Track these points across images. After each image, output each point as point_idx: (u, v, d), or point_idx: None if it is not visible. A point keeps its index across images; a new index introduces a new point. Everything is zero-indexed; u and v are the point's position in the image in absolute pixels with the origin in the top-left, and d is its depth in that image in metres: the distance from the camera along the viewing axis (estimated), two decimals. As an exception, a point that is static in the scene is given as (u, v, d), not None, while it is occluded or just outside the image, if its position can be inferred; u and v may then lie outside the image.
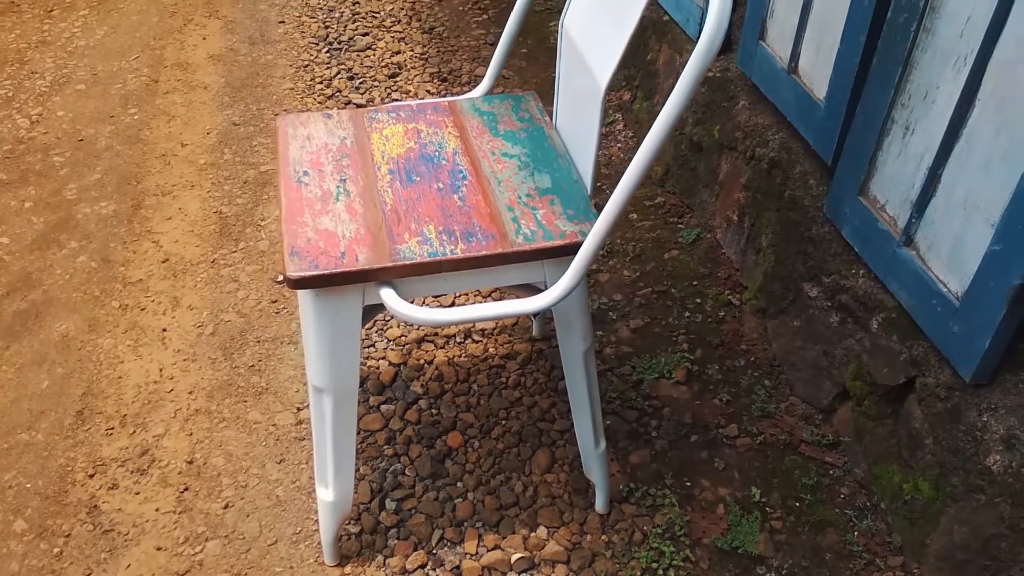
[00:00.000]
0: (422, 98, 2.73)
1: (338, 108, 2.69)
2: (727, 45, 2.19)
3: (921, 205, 1.45)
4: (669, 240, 2.16)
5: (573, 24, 1.34)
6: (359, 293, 1.19)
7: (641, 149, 1.04)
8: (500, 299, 1.96)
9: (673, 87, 1.00)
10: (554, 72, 2.82)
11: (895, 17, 1.46)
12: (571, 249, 1.20)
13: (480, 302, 1.91)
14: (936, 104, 1.40)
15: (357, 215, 1.25)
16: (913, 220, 1.47)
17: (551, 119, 1.49)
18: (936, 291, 1.41)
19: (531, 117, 1.48)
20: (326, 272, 1.15)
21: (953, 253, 1.38)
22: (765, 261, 1.91)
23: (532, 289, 1.33)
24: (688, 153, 2.27)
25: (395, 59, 2.94)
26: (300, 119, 1.46)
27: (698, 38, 0.96)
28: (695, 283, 2.03)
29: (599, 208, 1.15)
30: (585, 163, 1.30)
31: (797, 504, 1.57)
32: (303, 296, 1.22)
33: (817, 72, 1.76)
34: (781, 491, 1.59)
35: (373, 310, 1.25)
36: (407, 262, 1.17)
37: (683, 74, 0.99)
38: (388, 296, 1.17)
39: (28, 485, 1.61)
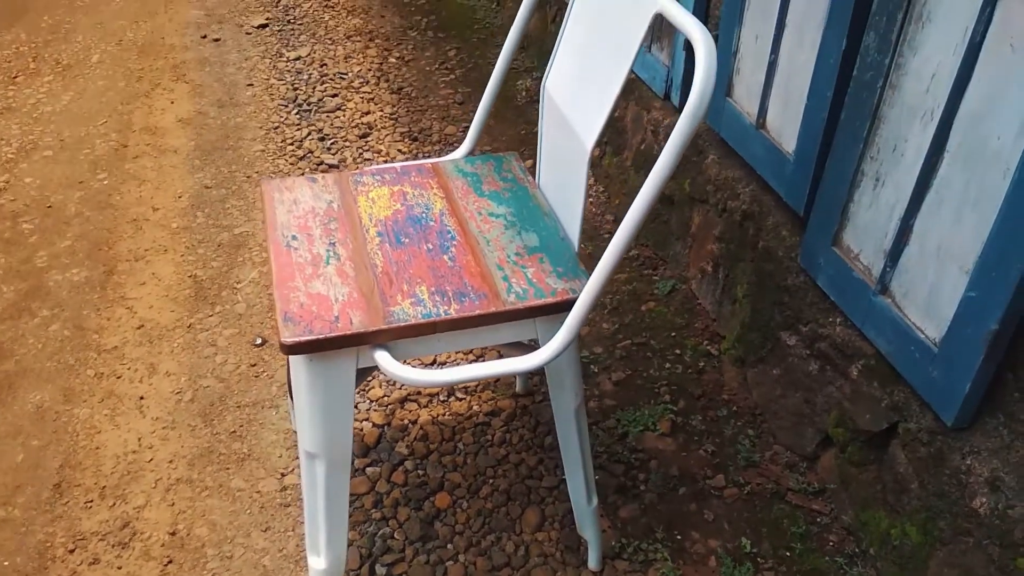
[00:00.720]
0: (394, 157, 2.75)
1: (310, 169, 2.70)
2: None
3: (895, 254, 1.49)
4: (645, 292, 2.18)
5: (555, 87, 1.37)
6: (353, 357, 1.19)
7: (634, 206, 1.06)
8: (487, 357, 1.96)
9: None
10: (521, 129, 2.87)
11: (861, 74, 1.52)
12: (563, 306, 1.22)
13: (466, 361, 1.92)
14: (905, 157, 1.45)
15: (348, 278, 1.25)
16: (887, 269, 1.51)
17: (533, 178, 1.51)
18: (914, 338, 1.45)
19: (514, 177, 1.51)
20: (321, 337, 1.15)
21: (929, 300, 1.42)
22: (742, 311, 1.95)
23: (520, 346, 1.34)
24: (659, 207, 2.31)
25: (365, 119, 2.97)
26: (285, 184, 1.47)
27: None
28: (673, 334, 2.05)
29: (590, 258, 1.17)
30: (572, 221, 1.33)
31: (787, 553, 1.57)
32: (295, 361, 1.21)
33: (785, 127, 1.82)
34: (771, 540, 1.59)
35: (363, 373, 1.25)
36: (402, 324, 1.18)
37: (672, 136, 1.02)
38: (383, 359, 1.17)
39: (6, 563, 1.56)
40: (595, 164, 2.71)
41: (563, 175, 1.36)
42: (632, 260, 2.30)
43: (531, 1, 1.47)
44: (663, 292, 2.18)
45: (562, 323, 1.18)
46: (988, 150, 1.27)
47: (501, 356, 1.26)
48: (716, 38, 2.07)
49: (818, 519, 1.63)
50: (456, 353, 1.99)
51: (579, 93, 1.29)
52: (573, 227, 1.32)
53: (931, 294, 1.42)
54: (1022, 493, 1.29)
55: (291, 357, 1.21)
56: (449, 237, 1.34)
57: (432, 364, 1.96)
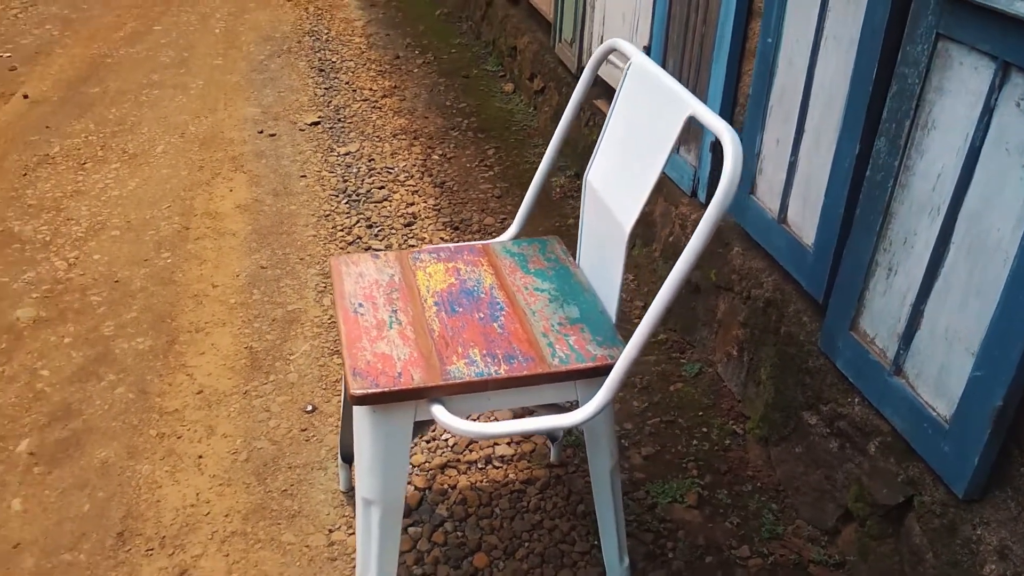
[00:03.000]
0: (436, 243, 2.93)
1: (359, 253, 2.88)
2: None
3: (908, 337, 1.62)
4: (673, 373, 2.31)
5: (597, 179, 1.54)
6: (412, 409, 1.33)
7: (667, 281, 1.21)
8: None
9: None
10: (556, 221, 3.05)
11: (873, 175, 1.68)
12: (602, 371, 1.35)
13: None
14: (915, 248, 1.59)
15: (409, 340, 1.40)
16: (901, 351, 1.63)
17: (574, 259, 1.67)
18: (926, 415, 1.56)
19: (556, 258, 1.66)
20: (386, 390, 1.29)
21: (939, 380, 1.54)
22: (765, 392, 2.06)
23: (558, 408, 1.47)
24: (687, 295, 2.46)
25: (410, 209, 3.17)
26: (352, 259, 1.63)
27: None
28: (700, 413, 2.16)
29: (624, 337, 1.31)
30: (610, 296, 1.47)
31: (809, 621, 1.65)
32: (360, 412, 1.35)
33: (805, 222, 1.97)
34: (793, 609, 1.67)
35: (419, 428, 1.38)
36: (457, 381, 1.31)
37: (702, 221, 1.18)
38: (439, 412, 1.31)
39: (70, 604, 1.67)
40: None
41: (602, 255, 1.52)
42: (661, 344, 2.43)
43: (575, 107, 1.66)
44: (691, 374, 2.30)
45: (600, 386, 1.32)
46: (989, 241, 1.41)
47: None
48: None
49: (838, 590, 1.71)
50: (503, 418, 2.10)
51: (619, 184, 1.45)
52: (611, 301, 1.47)
53: (941, 374, 1.54)
54: (1029, 561, 1.38)
55: (356, 408, 1.34)
56: (499, 308, 1.49)
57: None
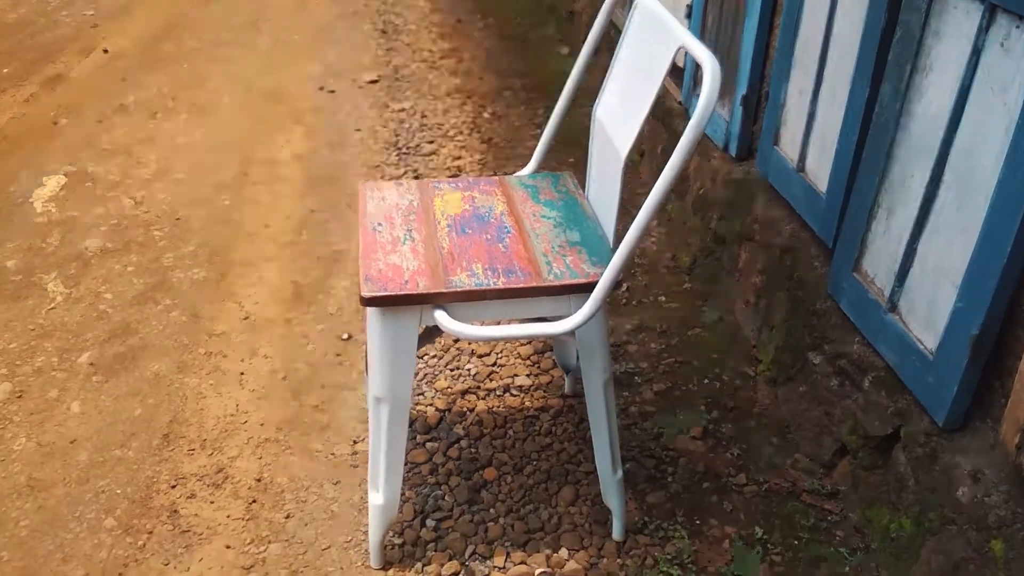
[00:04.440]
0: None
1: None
2: (749, 152, 2.49)
3: (902, 275, 1.68)
4: (693, 320, 2.39)
5: (603, 112, 1.64)
6: (417, 314, 1.45)
7: (652, 193, 1.31)
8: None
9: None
10: (569, 156, 3.13)
11: (878, 119, 1.73)
12: (594, 287, 1.46)
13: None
14: (911, 189, 1.65)
15: (419, 255, 1.52)
16: (896, 289, 1.70)
17: (583, 191, 1.77)
18: (915, 349, 1.62)
19: (567, 190, 1.77)
20: (393, 294, 1.42)
21: (928, 314, 1.60)
22: (777, 336, 2.13)
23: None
24: (713, 245, 2.53)
25: (456, 163, 3.30)
26: (377, 185, 1.76)
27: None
28: (715, 356, 2.25)
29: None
30: (608, 221, 1.57)
31: (796, 542, 1.73)
32: (371, 315, 1.48)
33: (820, 169, 2.03)
34: (782, 531, 1.76)
35: (426, 336, 1.50)
36: (458, 289, 1.44)
37: (677, 147, 1.27)
38: (441, 316, 1.43)
39: (118, 491, 1.85)
40: (661, 211, 2.95)
41: (604, 184, 1.61)
42: (686, 292, 2.51)
43: (589, 50, 1.76)
44: (710, 321, 2.38)
45: (592, 301, 1.42)
46: (974, 180, 1.47)
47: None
48: (767, 95, 2.31)
49: (828, 517, 1.78)
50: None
51: (619, 114, 1.55)
52: (609, 226, 1.57)
53: (929, 309, 1.60)
54: (999, 484, 1.44)
55: (368, 309, 1.47)
56: (505, 231, 1.61)
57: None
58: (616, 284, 1.41)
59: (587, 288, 1.46)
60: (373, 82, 4.09)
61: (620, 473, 1.68)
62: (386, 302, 1.42)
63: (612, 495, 1.69)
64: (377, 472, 1.59)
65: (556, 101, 1.85)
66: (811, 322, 2.00)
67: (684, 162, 1.28)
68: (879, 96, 1.73)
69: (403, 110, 3.78)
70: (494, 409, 2.08)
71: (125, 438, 2.00)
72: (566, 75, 1.84)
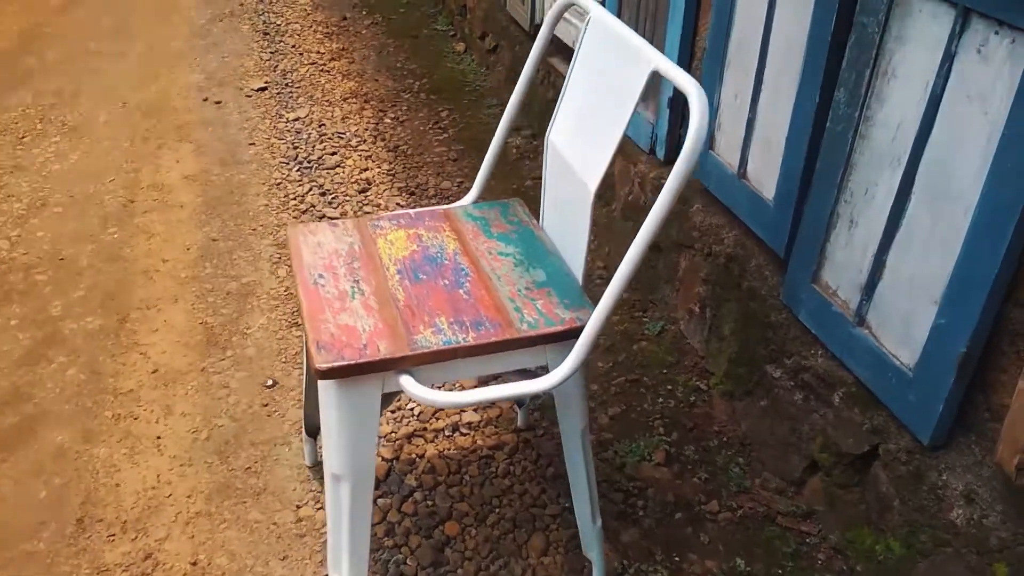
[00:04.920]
0: (392, 210, 2.88)
1: (314, 222, 2.82)
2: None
3: (870, 288, 1.62)
4: (637, 332, 2.30)
5: (559, 139, 1.51)
6: (379, 382, 1.30)
7: (636, 241, 1.19)
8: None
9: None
10: (513, 183, 3.02)
11: (834, 126, 1.67)
12: (571, 334, 1.33)
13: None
14: (876, 199, 1.59)
15: (373, 311, 1.36)
16: (864, 302, 1.64)
17: (537, 221, 1.64)
18: (890, 364, 1.57)
19: (519, 220, 1.63)
20: (351, 362, 1.25)
21: (903, 329, 1.55)
22: (728, 348, 2.07)
23: (527, 374, 1.45)
24: (648, 253, 2.44)
25: (364, 175, 3.11)
26: (309, 228, 1.58)
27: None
28: (665, 371, 2.17)
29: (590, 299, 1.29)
30: (576, 258, 1.45)
31: (780, 572, 1.67)
32: (326, 387, 1.31)
33: (765, 176, 1.96)
34: (764, 561, 1.69)
35: (386, 399, 1.35)
36: (425, 350, 1.28)
37: (668, 180, 1.16)
38: (408, 383, 1.28)
39: (32, 594, 1.62)
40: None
41: (566, 217, 1.49)
42: (624, 303, 2.42)
43: (533, 66, 1.62)
44: (653, 332, 2.30)
45: (570, 349, 1.30)
46: (951, 191, 1.41)
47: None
48: (698, 96, 2.23)
49: (807, 539, 1.73)
50: (470, 385, 2.08)
51: (581, 143, 1.42)
52: (577, 263, 1.45)
53: (904, 324, 1.55)
54: (995, 504, 1.40)
55: (322, 383, 1.31)
56: (463, 274, 1.46)
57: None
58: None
59: (563, 336, 1.34)
60: (261, 90, 3.84)
61: (599, 522, 1.57)
62: (345, 372, 1.26)
63: (593, 547, 1.58)
64: (339, 555, 1.43)
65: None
66: (766, 334, 1.94)
67: (671, 203, 1.18)
68: (833, 102, 1.67)
69: (298, 119, 3.55)
70: (445, 453, 1.93)
71: (33, 528, 1.75)
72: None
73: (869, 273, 1.62)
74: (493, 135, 1.63)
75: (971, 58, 1.35)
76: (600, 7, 1.46)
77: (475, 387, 2.07)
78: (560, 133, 1.52)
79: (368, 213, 2.87)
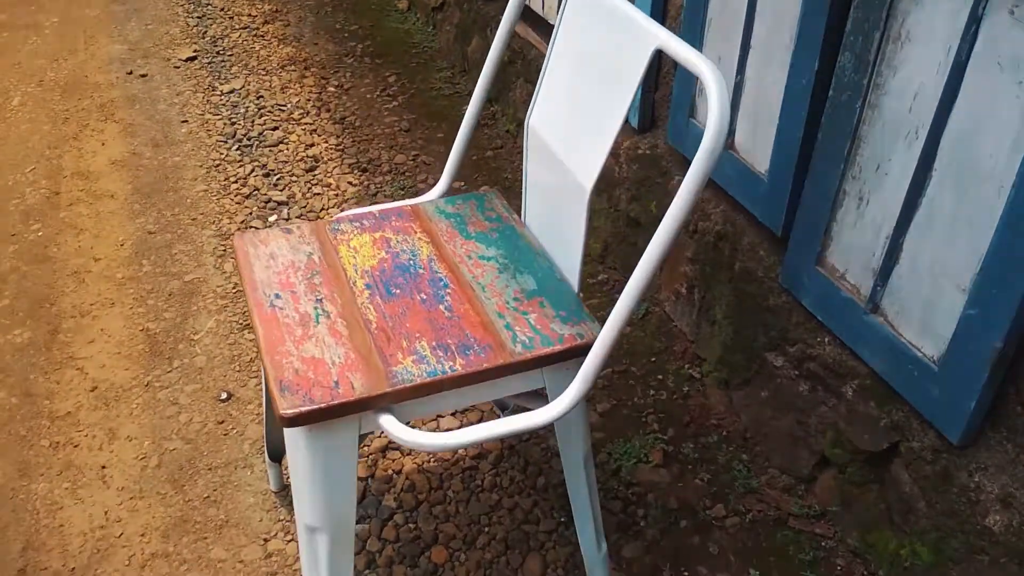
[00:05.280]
0: (345, 191, 2.67)
1: (258, 208, 2.59)
2: (652, 122, 2.24)
3: (885, 273, 1.48)
4: (619, 318, 2.15)
5: (543, 125, 1.33)
6: (355, 423, 1.12)
7: (652, 242, 1.02)
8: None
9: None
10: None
11: (837, 95, 1.51)
12: (571, 353, 1.17)
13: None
14: (890, 176, 1.44)
15: (342, 338, 1.18)
16: (878, 287, 1.50)
17: (518, 215, 1.46)
18: (911, 356, 1.44)
19: (499, 216, 1.45)
20: (323, 405, 1.07)
21: (924, 318, 1.42)
22: (721, 332, 1.93)
23: (526, 394, 1.29)
24: (626, 229, 2.28)
25: (310, 152, 2.88)
26: (259, 237, 1.38)
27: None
28: (653, 359, 2.02)
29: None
30: (571, 262, 1.28)
31: (797, 581, 1.55)
32: (292, 435, 1.13)
33: (756, 147, 1.80)
34: (779, 570, 1.57)
35: (363, 437, 1.18)
36: (407, 385, 1.11)
37: (688, 175, 0.99)
38: (390, 423, 1.10)
39: (-33, 665, 1.43)
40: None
41: (556, 214, 1.31)
42: (602, 284, 2.27)
43: (504, 39, 1.43)
44: (637, 316, 2.14)
45: (570, 368, 1.14)
46: (980, 168, 1.27)
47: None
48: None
49: (823, 543, 1.61)
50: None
51: (572, 132, 1.24)
52: (572, 268, 1.28)
53: (926, 312, 1.41)
54: (1035, 508, 1.28)
55: (288, 430, 1.13)
56: (442, 285, 1.28)
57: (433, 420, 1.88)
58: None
59: (563, 356, 1.17)
60: (191, 59, 3.55)
61: (605, 547, 1.43)
62: (315, 417, 1.08)
63: (598, 574, 1.44)
64: (320, 610, 1.26)
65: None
66: (764, 319, 1.80)
67: (691, 205, 1.00)
68: (837, 68, 1.50)
69: (233, 92, 3.28)
70: (424, 466, 1.77)
71: (-37, 585, 1.56)
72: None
73: (884, 256, 1.48)
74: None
75: (1002, 20, 1.19)
76: (584, -29, 1.27)
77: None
78: (543, 119, 1.33)
79: (318, 194, 2.65)
